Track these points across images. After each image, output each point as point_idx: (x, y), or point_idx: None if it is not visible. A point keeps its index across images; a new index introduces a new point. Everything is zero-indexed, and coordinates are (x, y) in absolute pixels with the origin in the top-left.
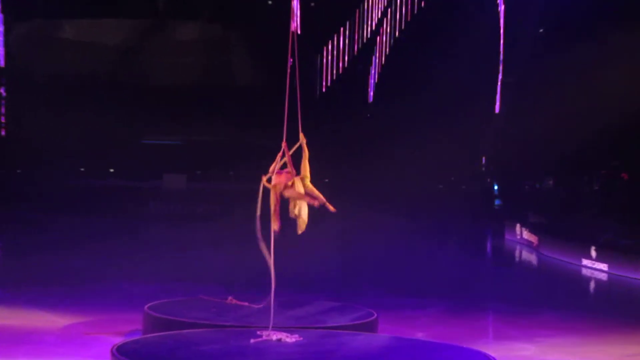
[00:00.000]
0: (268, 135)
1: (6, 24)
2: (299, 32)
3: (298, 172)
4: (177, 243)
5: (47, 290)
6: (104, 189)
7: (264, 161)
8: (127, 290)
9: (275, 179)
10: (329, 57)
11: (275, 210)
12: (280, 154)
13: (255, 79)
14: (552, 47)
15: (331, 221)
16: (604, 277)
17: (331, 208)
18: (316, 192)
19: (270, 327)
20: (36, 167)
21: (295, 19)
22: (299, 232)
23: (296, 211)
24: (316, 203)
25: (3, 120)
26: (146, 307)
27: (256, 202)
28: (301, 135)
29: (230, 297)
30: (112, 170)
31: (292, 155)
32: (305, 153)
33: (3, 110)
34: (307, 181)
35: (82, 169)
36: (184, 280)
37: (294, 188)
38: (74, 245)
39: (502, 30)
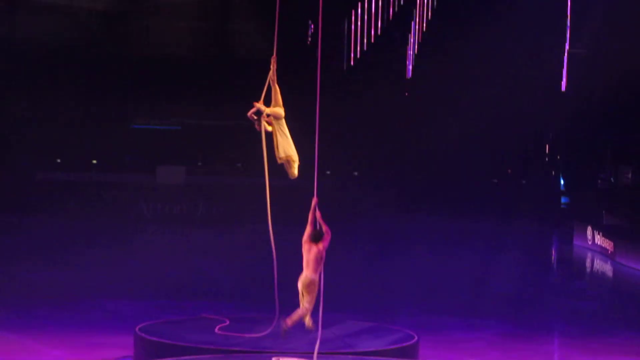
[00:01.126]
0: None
1: None
2: None
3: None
4: (173, 251)
5: (21, 310)
6: (85, 184)
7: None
8: (115, 309)
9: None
10: (358, 24)
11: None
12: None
13: (265, 49)
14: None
15: (363, 223)
16: None
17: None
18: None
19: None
20: (3, 161)
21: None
22: (293, 176)
23: (282, 153)
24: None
25: None
26: (137, 328)
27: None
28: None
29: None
30: (94, 161)
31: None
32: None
33: None
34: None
35: (58, 160)
36: (182, 296)
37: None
38: (50, 255)
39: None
